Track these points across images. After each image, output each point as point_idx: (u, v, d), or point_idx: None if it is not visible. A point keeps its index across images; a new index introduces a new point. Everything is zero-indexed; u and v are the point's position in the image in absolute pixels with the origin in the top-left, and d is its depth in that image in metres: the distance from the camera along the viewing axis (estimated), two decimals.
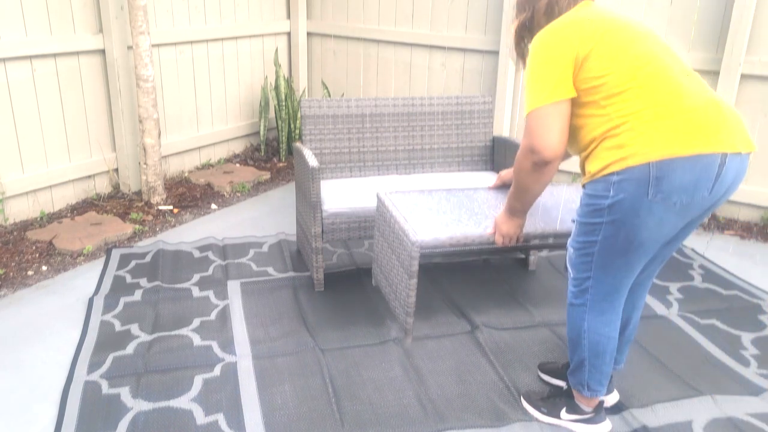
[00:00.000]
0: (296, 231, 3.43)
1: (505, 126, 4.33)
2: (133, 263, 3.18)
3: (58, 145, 3.77)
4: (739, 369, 2.44)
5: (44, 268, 3.15)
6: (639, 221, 1.70)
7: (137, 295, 2.88)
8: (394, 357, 2.46)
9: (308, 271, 3.13)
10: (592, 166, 1.76)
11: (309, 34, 5.21)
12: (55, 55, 3.64)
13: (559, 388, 2.24)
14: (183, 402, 2.18)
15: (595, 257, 1.83)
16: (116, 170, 4.11)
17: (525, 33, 1.96)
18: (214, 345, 2.52)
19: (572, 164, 4.12)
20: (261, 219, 3.83)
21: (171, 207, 3.95)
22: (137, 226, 3.60)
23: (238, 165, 4.75)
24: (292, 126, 4.87)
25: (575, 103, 1.77)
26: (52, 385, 2.28)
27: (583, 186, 1.83)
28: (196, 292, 2.93)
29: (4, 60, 3.40)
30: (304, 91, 5.26)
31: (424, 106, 3.27)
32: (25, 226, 3.58)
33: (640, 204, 1.68)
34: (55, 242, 3.35)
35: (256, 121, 5.06)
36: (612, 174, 1.70)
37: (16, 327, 2.63)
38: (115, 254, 3.28)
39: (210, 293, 2.92)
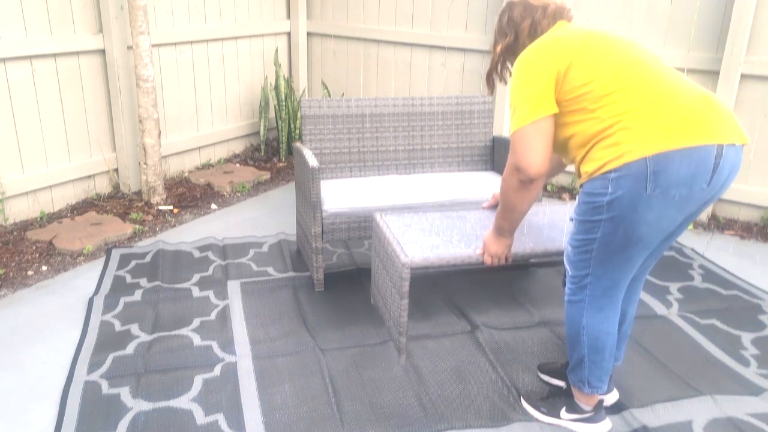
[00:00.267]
0: (296, 231, 3.43)
1: (505, 126, 4.32)
2: (133, 263, 3.18)
3: (58, 145, 3.77)
4: (739, 369, 2.44)
5: (44, 268, 3.15)
6: (638, 216, 1.71)
7: (137, 295, 2.88)
8: (394, 357, 2.46)
9: (308, 271, 3.14)
10: (589, 167, 1.77)
11: (309, 34, 5.21)
12: (55, 55, 3.64)
13: (559, 387, 2.24)
14: (183, 402, 2.18)
15: (594, 254, 1.83)
16: (116, 170, 4.11)
17: (509, 56, 2.07)
18: (214, 345, 2.52)
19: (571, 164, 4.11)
20: (261, 219, 3.83)
21: (171, 207, 3.95)
22: (137, 226, 3.60)
23: (238, 165, 4.75)
24: (292, 126, 4.87)
25: (563, 114, 1.81)
26: (52, 385, 2.28)
27: (581, 185, 1.84)
28: (196, 292, 2.93)
29: (4, 60, 3.40)
30: (304, 91, 5.26)
31: (424, 106, 3.27)
32: (25, 226, 3.58)
33: (638, 199, 1.69)
34: (55, 242, 3.35)
35: (256, 121, 5.06)
36: (609, 171, 1.71)
37: (16, 327, 2.63)
38: (115, 254, 3.28)
39: (210, 293, 2.92)
